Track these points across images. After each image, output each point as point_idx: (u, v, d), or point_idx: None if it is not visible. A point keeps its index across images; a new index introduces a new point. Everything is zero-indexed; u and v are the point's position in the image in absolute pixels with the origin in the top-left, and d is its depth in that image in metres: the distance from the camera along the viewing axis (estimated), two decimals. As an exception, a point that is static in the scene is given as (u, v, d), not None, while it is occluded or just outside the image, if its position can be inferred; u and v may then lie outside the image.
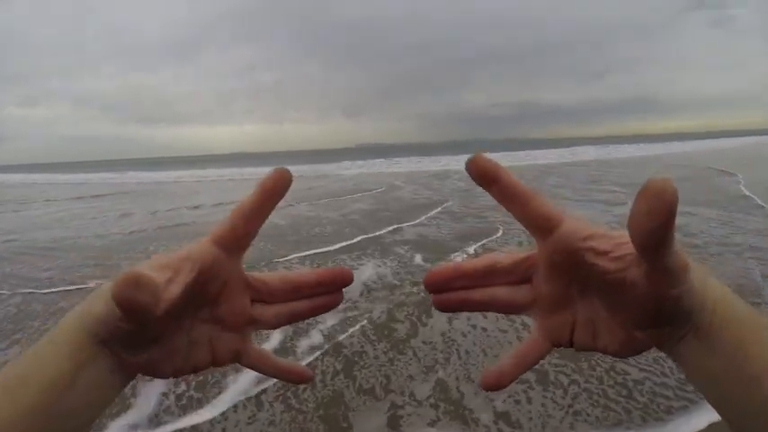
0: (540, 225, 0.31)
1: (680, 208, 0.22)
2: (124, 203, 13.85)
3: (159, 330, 0.30)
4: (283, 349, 3.28)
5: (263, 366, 0.36)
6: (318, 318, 2.68)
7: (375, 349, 3.27)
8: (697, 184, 11.67)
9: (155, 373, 0.32)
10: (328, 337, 3.46)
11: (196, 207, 12.29)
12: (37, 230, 9.24)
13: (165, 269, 0.28)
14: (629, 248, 0.26)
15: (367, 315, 3.83)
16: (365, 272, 5.05)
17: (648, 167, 19.23)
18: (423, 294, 4.07)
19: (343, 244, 6.58)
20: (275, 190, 0.33)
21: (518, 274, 0.34)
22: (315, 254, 6.13)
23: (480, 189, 0.32)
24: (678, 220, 0.22)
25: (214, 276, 0.32)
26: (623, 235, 0.27)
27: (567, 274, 0.32)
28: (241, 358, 0.35)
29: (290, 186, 0.33)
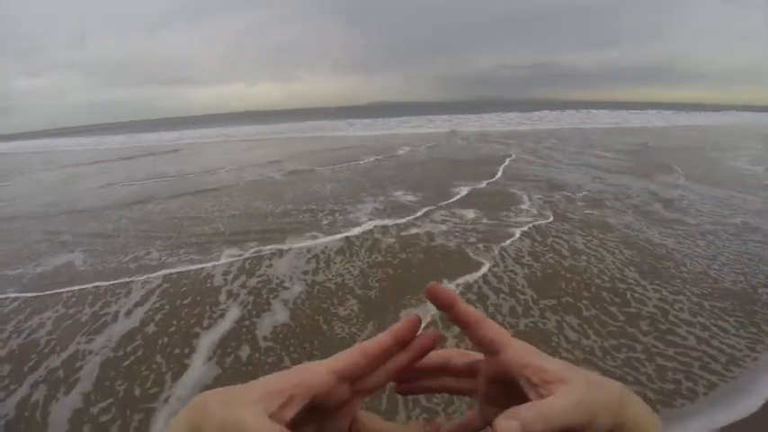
0: (487, 348, 0.39)
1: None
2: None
3: None
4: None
5: None
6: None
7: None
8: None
9: None
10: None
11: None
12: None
13: (278, 396, 0.33)
14: (554, 388, 0.33)
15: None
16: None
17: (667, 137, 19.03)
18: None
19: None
20: (406, 338, 0.40)
21: (465, 372, 0.45)
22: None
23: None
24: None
25: (325, 403, 0.36)
26: (554, 371, 0.34)
27: (502, 386, 0.40)
28: None
29: (418, 332, 0.39)
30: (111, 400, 2.60)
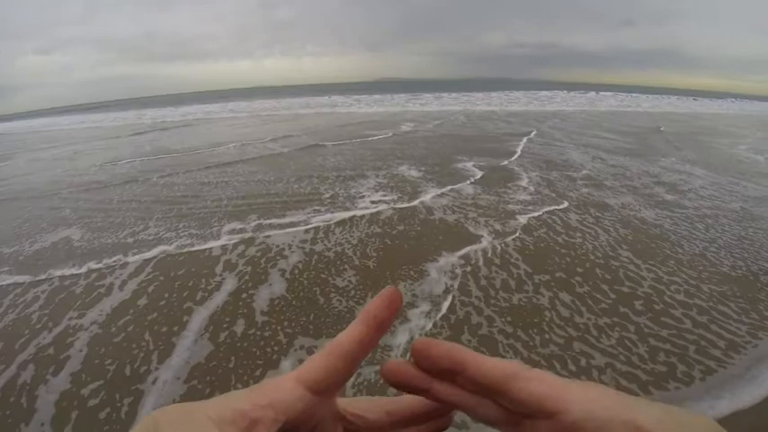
0: (540, 414, 0.28)
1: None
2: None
3: None
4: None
5: None
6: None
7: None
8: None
9: None
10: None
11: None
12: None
13: (239, 419, 0.26)
14: None
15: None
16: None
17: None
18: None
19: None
20: (386, 320, 0.30)
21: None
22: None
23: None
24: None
25: (303, 422, 0.29)
26: (644, 425, 0.25)
27: None
28: None
29: (399, 309, 0.30)
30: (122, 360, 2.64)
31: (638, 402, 0.27)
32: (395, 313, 0.30)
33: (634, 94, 42.75)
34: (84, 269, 4.00)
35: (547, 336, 2.82)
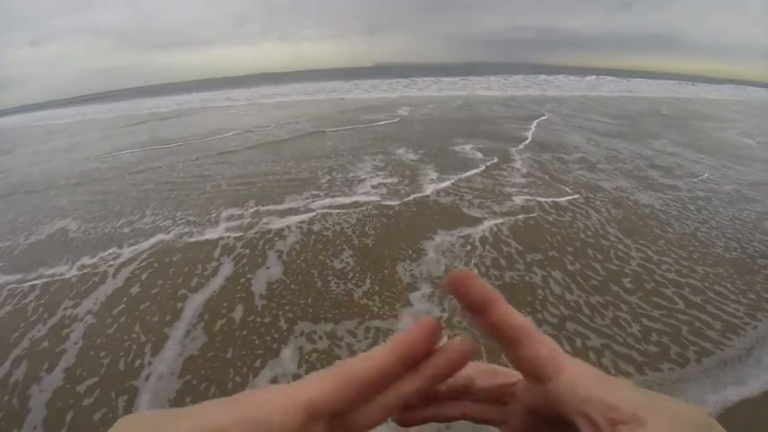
0: (534, 373, 0.29)
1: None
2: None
3: None
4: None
5: None
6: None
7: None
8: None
9: None
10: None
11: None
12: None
13: None
14: (624, 431, 0.24)
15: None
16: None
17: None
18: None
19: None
20: (417, 355, 0.27)
21: (493, 395, 0.33)
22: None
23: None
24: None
25: None
26: (626, 409, 0.25)
27: (547, 421, 0.30)
28: None
29: (436, 342, 0.28)
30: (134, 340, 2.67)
31: (623, 385, 0.27)
32: (429, 348, 0.27)
33: (633, 79, 42.26)
34: (88, 260, 4.04)
35: (539, 315, 2.86)
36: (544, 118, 12.01)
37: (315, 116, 13.40)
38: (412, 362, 0.27)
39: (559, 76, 41.23)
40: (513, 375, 0.34)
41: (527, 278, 3.29)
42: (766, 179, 6.36)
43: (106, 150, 9.95)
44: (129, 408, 2.27)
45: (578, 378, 0.27)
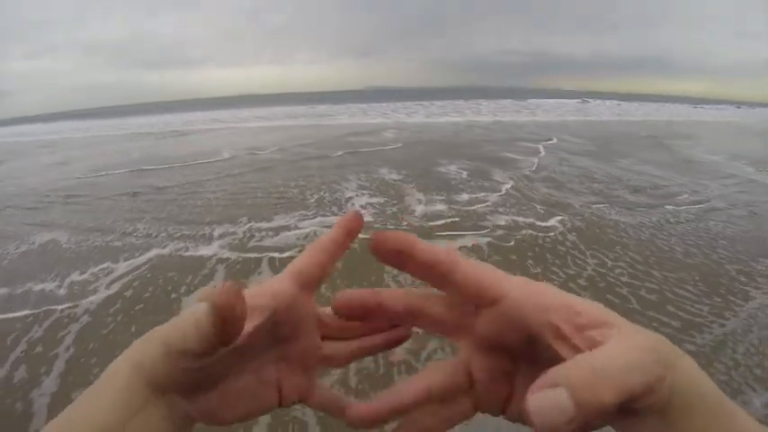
0: (476, 297, 0.28)
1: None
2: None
3: (223, 371, 0.29)
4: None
5: (331, 407, 0.35)
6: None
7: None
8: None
9: (215, 419, 0.30)
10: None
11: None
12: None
13: None
14: (598, 336, 0.23)
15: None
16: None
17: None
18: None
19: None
20: (355, 229, 0.35)
21: (455, 389, 0.31)
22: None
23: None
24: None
25: (288, 317, 0.31)
26: (592, 313, 0.25)
27: (510, 352, 0.29)
28: (308, 398, 0.34)
29: (362, 227, 0.35)
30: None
31: (576, 296, 0.27)
32: (360, 226, 0.35)
33: (624, 102, 43.44)
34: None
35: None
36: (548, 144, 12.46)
37: (306, 139, 13.60)
38: (350, 233, 0.35)
39: (550, 100, 42.16)
40: (457, 364, 0.33)
41: None
42: (728, 191, 6.76)
43: (94, 168, 9.98)
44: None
45: (532, 290, 0.27)
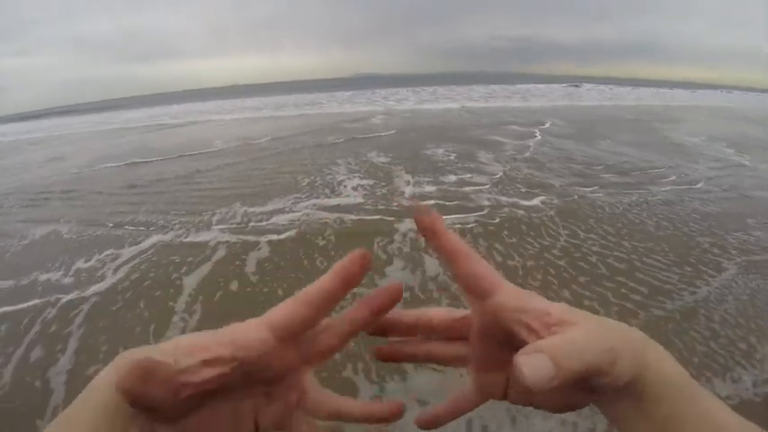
0: (475, 289, 0.33)
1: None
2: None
3: (192, 407, 0.29)
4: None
5: None
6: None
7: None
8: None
9: None
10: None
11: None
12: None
13: (200, 351, 0.28)
14: (560, 330, 0.29)
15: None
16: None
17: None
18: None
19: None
20: (352, 276, 0.32)
21: (453, 332, 0.38)
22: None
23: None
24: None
25: (261, 365, 0.31)
26: (557, 314, 0.30)
27: (499, 339, 0.34)
28: (286, 428, 0.34)
29: (370, 269, 0.32)
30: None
31: (551, 301, 0.32)
32: (365, 271, 0.32)
33: (615, 87, 43.12)
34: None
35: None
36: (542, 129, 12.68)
37: (295, 128, 13.65)
38: (348, 281, 0.32)
39: (540, 85, 42.02)
40: (465, 312, 0.38)
41: (474, 246, 3.84)
42: (706, 173, 7.00)
43: (88, 162, 10.00)
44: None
45: (514, 292, 0.33)
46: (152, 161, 9.31)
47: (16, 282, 3.92)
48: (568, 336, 0.29)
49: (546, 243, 4.09)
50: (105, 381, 0.28)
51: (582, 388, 0.31)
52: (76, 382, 2.54)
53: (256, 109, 23.14)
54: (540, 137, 10.32)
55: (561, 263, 3.66)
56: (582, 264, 3.66)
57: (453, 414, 0.38)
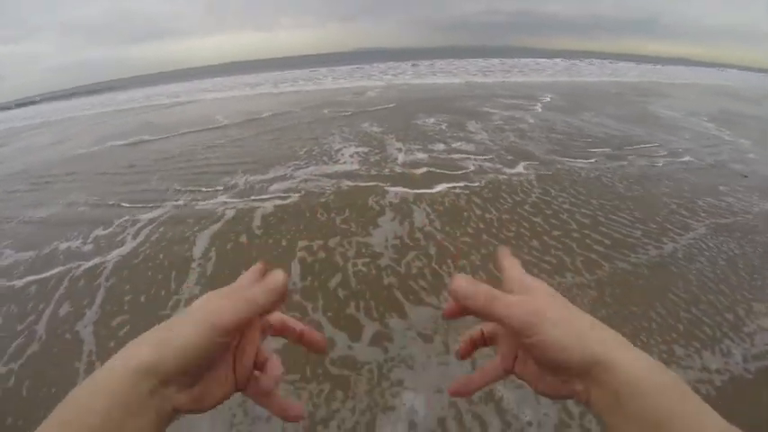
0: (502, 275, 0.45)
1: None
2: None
3: (203, 373, 0.37)
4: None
5: (264, 400, 0.44)
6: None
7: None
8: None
9: (199, 406, 0.37)
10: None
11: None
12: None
13: (153, 376, 0.33)
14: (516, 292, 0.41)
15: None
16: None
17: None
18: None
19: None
20: (276, 303, 0.40)
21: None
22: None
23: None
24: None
25: (218, 354, 0.38)
26: (527, 283, 0.42)
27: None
28: (249, 384, 0.42)
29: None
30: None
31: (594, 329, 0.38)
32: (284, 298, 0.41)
33: (616, 62, 42.66)
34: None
35: (466, 229, 3.89)
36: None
37: (293, 103, 13.73)
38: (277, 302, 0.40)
39: (541, 59, 41.44)
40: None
41: (457, 203, 4.38)
42: (684, 144, 7.35)
43: (92, 143, 10.15)
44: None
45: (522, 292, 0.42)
46: (157, 139, 9.53)
47: (37, 252, 4.18)
48: (511, 295, 0.40)
49: (518, 199, 4.53)
50: (119, 366, 0.32)
51: (547, 367, 0.39)
52: (104, 331, 2.86)
53: (256, 85, 23.02)
54: (537, 109, 10.63)
55: (536, 219, 4.08)
56: (553, 220, 4.06)
57: (483, 382, 0.47)
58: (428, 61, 37.04)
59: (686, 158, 6.33)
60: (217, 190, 5.39)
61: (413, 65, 32.15)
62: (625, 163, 5.94)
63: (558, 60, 40.15)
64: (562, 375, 0.38)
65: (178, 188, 5.62)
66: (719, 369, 2.32)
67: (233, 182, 5.63)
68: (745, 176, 5.44)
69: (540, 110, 10.48)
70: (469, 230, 3.86)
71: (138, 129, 11.28)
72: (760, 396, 2.15)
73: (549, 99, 12.71)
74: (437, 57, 46.16)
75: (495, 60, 37.77)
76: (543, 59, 41.65)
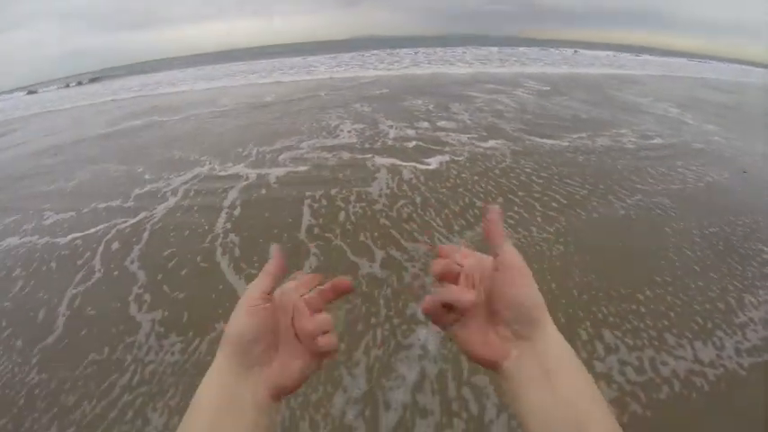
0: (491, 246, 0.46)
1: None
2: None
3: (274, 343, 0.45)
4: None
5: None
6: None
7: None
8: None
9: (285, 379, 0.43)
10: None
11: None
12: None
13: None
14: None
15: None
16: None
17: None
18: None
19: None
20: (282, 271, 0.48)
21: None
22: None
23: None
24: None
25: (268, 328, 0.45)
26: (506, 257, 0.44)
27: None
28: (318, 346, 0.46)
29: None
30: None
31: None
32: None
33: (620, 54, 42.82)
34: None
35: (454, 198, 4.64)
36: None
37: (296, 90, 14.10)
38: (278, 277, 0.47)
39: (550, 49, 41.62)
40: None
41: (439, 169, 5.13)
42: (646, 126, 7.94)
43: (107, 124, 10.53)
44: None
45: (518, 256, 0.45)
46: (168, 121, 10.02)
47: (79, 210, 4.72)
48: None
49: (490, 165, 5.32)
50: (219, 358, 0.42)
51: (509, 306, 0.41)
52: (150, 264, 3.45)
53: (254, 72, 22.98)
54: (509, 94, 11.30)
55: (502, 180, 4.85)
56: (515, 181, 4.81)
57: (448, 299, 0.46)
58: (429, 49, 37.07)
59: (649, 141, 6.82)
60: (234, 160, 6.05)
61: (411, 54, 32.01)
62: (590, 142, 6.52)
63: (551, 50, 40.60)
64: (514, 325, 0.40)
65: (200, 158, 6.26)
66: (713, 361, 2.37)
67: (244, 152, 6.36)
68: (745, 172, 5.55)
69: (524, 95, 11.15)
70: (459, 200, 4.36)
71: (149, 112, 11.69)
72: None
73: (534, 85, 13.35)
74: (439, 45, 45.61)
75: (495, 49, 37.96)
76: (543, 48, 41.66)
